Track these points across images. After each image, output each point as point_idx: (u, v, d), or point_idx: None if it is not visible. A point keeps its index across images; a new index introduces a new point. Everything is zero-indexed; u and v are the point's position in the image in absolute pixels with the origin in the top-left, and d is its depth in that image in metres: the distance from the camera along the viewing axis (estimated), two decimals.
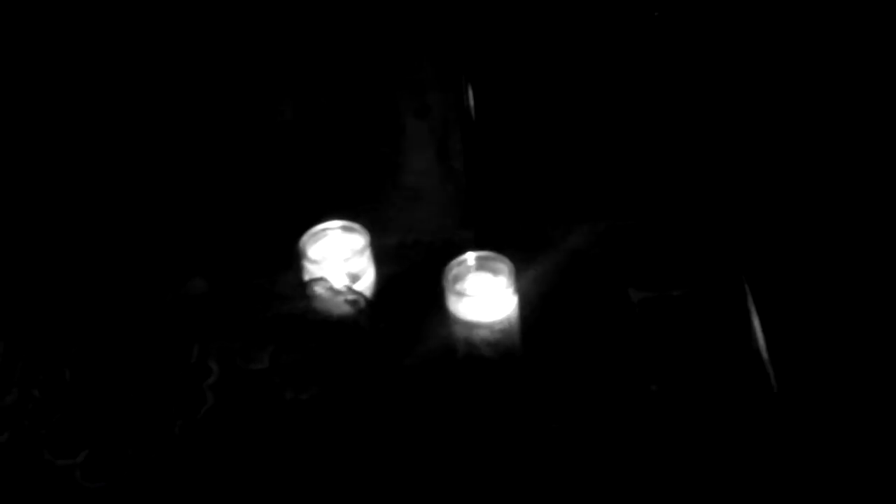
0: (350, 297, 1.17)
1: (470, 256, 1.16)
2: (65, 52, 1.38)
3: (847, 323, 1.32)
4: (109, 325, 1.29)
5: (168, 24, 1.36)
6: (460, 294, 1.13)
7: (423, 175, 1.42)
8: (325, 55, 1.36)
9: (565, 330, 1.21)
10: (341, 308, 1.17)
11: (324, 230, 1.21)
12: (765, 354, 1.18)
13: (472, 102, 1.34)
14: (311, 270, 1.19)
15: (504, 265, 1.15)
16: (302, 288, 1.19)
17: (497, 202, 1.31)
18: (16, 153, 1.46)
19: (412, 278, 1.26)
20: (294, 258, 1.21)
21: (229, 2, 1.35)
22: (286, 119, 1.42)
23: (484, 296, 1.13)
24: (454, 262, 1.16)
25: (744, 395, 1.14)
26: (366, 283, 1.20)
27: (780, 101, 1.47)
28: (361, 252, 1.20)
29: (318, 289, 1.17)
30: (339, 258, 1.19)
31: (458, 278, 1.16)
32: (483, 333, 1.13)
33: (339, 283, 1.18)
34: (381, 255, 1.25)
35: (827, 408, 1.25)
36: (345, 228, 1.21)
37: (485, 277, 1.16)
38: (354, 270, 1.20)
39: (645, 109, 1.46)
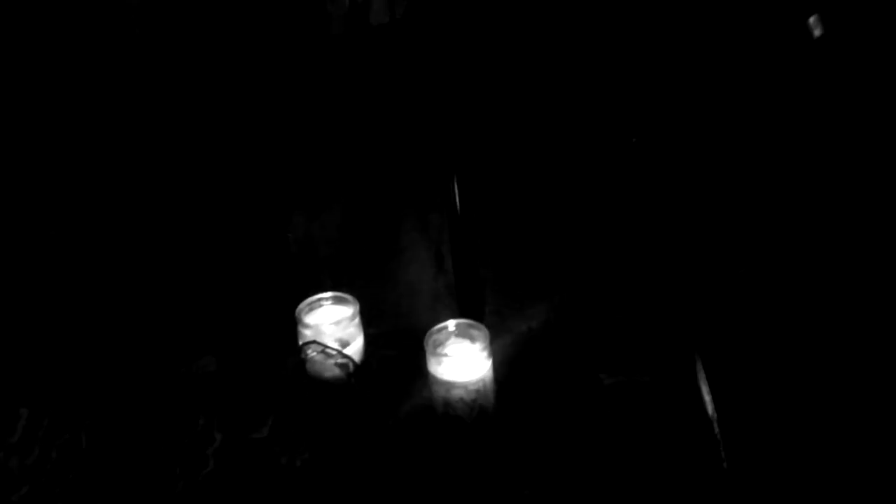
0: (340, 360, 1.29)
1: (450, 324, 1.29)
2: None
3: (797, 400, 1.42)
4: (124, 396, 1.42)
5: None
6: (440, 356, 1.25)
7: (420, 273, 1.58)
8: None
9: (534, 390, 1.32)
10: (332, 370, 1.29)
11: (318, 300, 1.34)
12: (717, 433, 1.28)
13: (458, 202, 1.50)
14: (306, 335, 1.31)
15: (480, 332, 1.28)
16: (298, 351, 1.31)
17: (478, 284, 1.45)
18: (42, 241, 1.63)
19: (398, 346, 1.38)
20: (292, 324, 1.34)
21: None
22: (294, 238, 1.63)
23: (461, 358, 1.25)
24: (435, 328, 1.28)
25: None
26: (355, 348, 1.32)
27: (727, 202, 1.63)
28: (351, 320, 1.32)
29: (312, 352, 1.29)
30: (331, 325, 1.32)
31: (438, 343, 1.27)
32: (460, 392, 1.24)
33: (331, 347, 1.30)
34: (372, 330, 1.39)
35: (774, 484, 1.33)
36: (337, 299, 1.34)
37: (463, 344, 1.28)
38: (345, 336, 1.32)
39: (615, 214, 1.62)
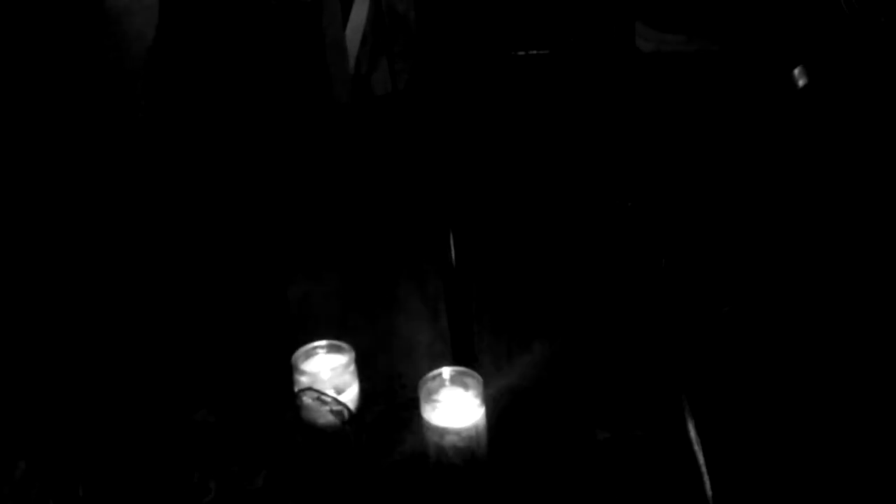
0: (335, 407, 1.30)
1: (444, 371, 1.30)
2: None
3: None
4: (121, 447, 1.43)
5: None
6: (434, 403, 1.26)
7: (416, 324, 1.61)
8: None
9: (527, 440, 1.33)
10: (326, 417, 1.30)
11: (314, 348, 1.36)
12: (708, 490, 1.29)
13: (453, 256, 1.53)
14: (302, 382, 1.32)
15: (474, 380, 1.29)
16: (293, 398, 1.32)
17: (472, 333, 1.47)
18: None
19: (393, 394, 1.40)
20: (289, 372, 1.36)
21: None
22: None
23: (454, 405, 1.26)
24: (429, 375, 1.30)
25: None
26: (350, 395, 1.33)
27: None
28: (346, 367, 1.34)
29: (307, 398, 1.30)
30: (326, 372, 1.33)
31: (432, 390, 1.29)
32: (453, 439, 1.25)
33: (326, 394, 1.31)
34: (368, 379, 1.40)
35: None
36: (332, 347, 1.36)
37: (456, 391, 1.30)
38: (340, 383, 1.33)
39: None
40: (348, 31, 2.29)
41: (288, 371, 1.35)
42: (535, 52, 2.21)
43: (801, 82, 1.76)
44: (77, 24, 1.58)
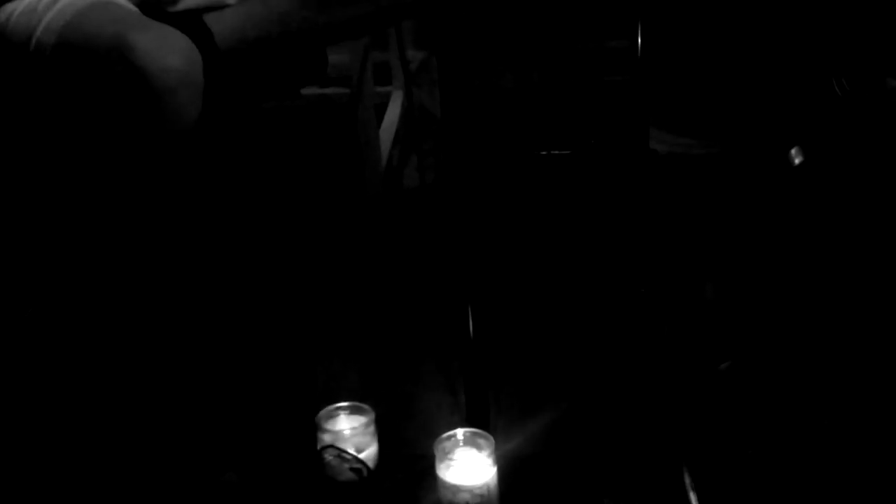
0: (355, 464, 1.39)
1: (458, 432, 1.39)
2: None
3: None
4: None
5: None
6: (448, 462, 1.35)
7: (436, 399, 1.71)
8: None
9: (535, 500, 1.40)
10: (347, 474, 1.38)
11: (337, 409, 1.45)
12: None
13: (471, 329, 1.64)
14: (325, 440, 1.41)
15: (486, 441, 1.37)
16: (317, 456, 1.41)
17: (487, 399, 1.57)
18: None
19: (409, 455, 1.48)
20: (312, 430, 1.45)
21: None
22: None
23: (467, 464, 1.35)
24: (444, 436, 1.38)
25: None
26: (369, 453, 1.42)
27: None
28: (367, 427, 1.43)
29: (329, 456, 1.39)
30: (348, 431, 1.42)
31: (446, 450, 1.37)
32: (465, 496, 1.33)
33: (347, 451, 1.40)
34: (386, 441, 1.49)
35: None
36: (354, 409, 1.46)
37: (470, 451, 1.38)
38: (360, 443, 1.42)
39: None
40: (382, 129, 2.47)
41: (312, 432, 1.44)
42: (556, 152, 2.37)
43: (797, 161, 1.89)
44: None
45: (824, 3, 2.10)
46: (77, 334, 1.74)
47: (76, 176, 1.59)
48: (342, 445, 1.40)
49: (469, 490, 1.33)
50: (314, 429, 1.44)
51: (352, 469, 1.39)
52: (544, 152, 2.37)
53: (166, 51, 1.42)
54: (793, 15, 2.14)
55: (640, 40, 1.97)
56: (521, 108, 2.60)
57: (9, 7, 1.43)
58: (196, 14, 1.55)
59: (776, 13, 2.16)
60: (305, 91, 1.97)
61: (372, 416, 1.44)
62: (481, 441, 1.38)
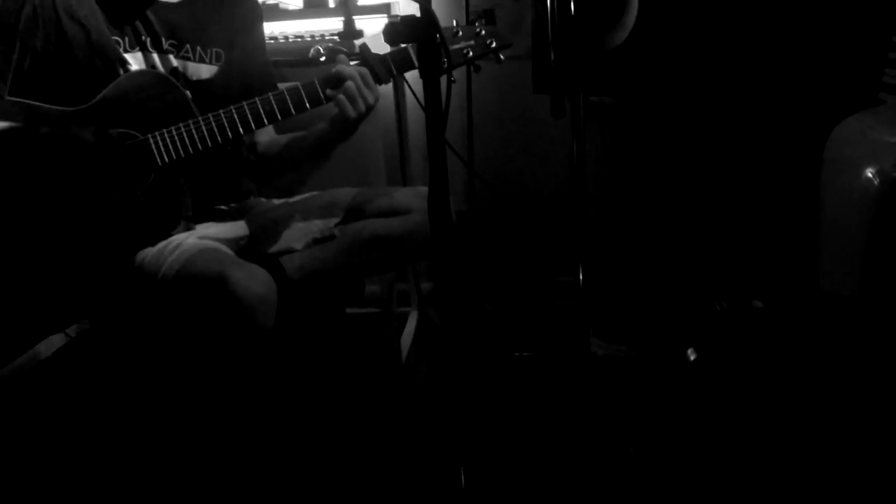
0: None
1: None
2: None
3: None
4: None
5: None
6: None
7: None
8: None
9: None
10: None
11: None
12: None
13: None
14: None
15: None
16: None
17: None
18: None
19: None
20: None
21: None
22: None
23: None
24: None
25: None
26: None
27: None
28: None
29: None
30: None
31: None
32: None
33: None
34: None
35: None
36: None
37: None
38: None
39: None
40: (402, 337, 3.31)
41: None
42: (526, 353, 3.22)
43: (692, 358, 2.77)
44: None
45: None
46: None
47: (188, 358, 2.18)
48: None
49: None
50: None
51: None
52: (517, 354, 3.22)
53: (252, 281, 1.99)
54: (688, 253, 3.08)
55: (581, 276, 2.84)
56: (499, 320, 3.53)
57: (145, 251, 2.13)
58: (275, 256, 2.28)
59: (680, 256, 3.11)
60: (349, 310, 2.82)
61: None
62: None
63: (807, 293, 2.95)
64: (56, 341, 2.65)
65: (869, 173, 2.34)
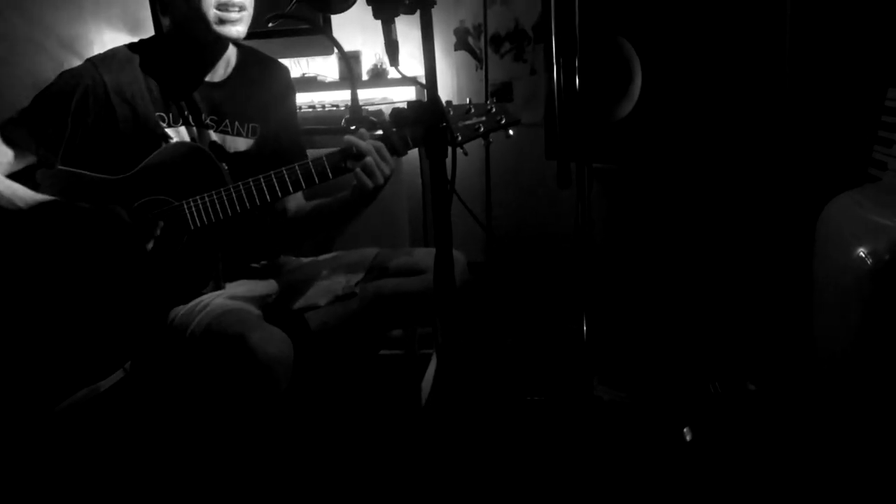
0: None
1: None
2: None
3: None
4: None
5: None
6: None
7: None
8: None
9: None
10: None
11: None
12: None
13: None
14: None
15: None
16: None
17: None
18: None
19: None
20: None
21: None
22: None
23: None
24: None
25: None
26: None
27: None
28: None
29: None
30: None
31: None
32: None
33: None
34: None
35: None
36: None
37: None
38: None
39: None
40: (424, 380, 3.50)
41: None
42: (537, 397, 3.40)
43: (688, 437, 2.78)
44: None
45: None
46: None
47: (214, 404, 2.28)
48: None
49: None
50: None
51: None
52: (529, 398, 3.40)
53: (269, 343, 2.09)
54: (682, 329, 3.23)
55: (584, 328, 3.02)
56: (516, 358, 3.71)
57: (178, 308, 2.33)
58: (300, 312, 2.51)
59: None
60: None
61: None
62: None
63: (801, 372, 3.02)
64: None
65: (861, 253, 2.31)
